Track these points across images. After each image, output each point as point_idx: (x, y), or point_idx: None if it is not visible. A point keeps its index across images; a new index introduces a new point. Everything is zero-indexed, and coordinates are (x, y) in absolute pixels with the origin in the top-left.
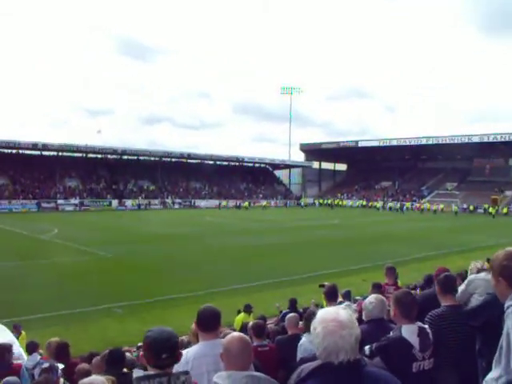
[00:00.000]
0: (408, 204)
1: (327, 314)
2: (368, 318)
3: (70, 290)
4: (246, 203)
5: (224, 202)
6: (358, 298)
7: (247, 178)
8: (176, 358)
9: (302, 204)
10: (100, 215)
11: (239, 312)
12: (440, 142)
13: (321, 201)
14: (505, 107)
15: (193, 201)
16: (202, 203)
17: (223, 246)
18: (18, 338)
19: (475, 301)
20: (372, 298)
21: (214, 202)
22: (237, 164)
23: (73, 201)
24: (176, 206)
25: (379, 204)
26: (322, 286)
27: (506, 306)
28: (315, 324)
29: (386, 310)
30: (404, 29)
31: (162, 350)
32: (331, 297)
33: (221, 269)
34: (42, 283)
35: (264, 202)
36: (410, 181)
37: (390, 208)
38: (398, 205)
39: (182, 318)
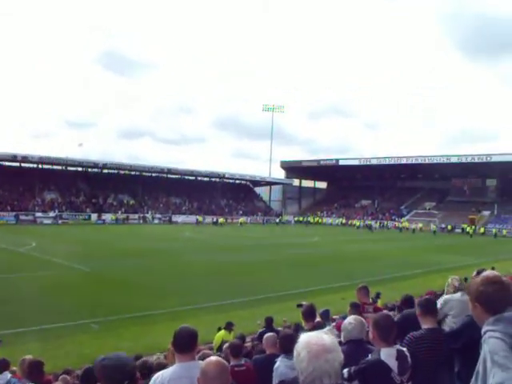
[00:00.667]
0: (387, 222)
1: (311, 338)
2: (347, 339)
3: (46, 304)
4: (222, 219)
5: (200, 218)
6: (335, 317)
7: (227, 195)
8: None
9: (277, 221)
10: (79, 229)
11: (219, 329)
12: (419, 162)
13: (300, 218)
14: (483, 128)
15: (172, 216)
16: (179, 219)
17: (202, 262)
18: None
19: (449, 322)
20: (351, 318)
21: (192, 218)
22: (217, 180)
23: (51, 214)
24: (156, 221)
25: (358, 222)
26: (299, 305)
27: (482, 331)
28: (299, 349)
29: (365, 331)
30: (385, 48)
31: (122, 378)
32: (309, 316)
33: (200, 285)
34: (18, 297)
35: (240, 219)
36: (390, 200)
37: (369, 226)
38: (377, 223)
39: (160, 334)
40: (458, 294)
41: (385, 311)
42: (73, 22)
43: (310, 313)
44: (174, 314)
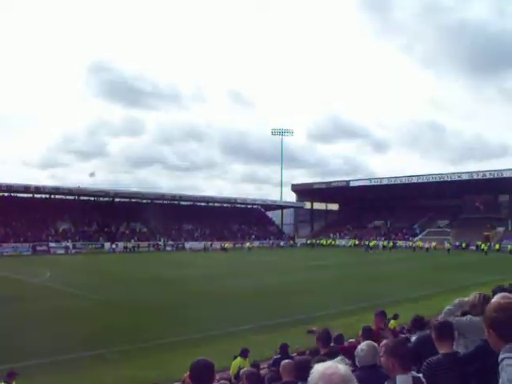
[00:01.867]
0: (400, 242)
1: (326, 368)
2: (361, 365)
3: (62, 334)
4: (227, 244)
5: (207, 244)
6: (351, 340)
7: (240, 220)
8: None
9: (282, 244)
10: (92, 258)
11: (235, 357)
12: (430, 180)
13: (312, 241)
14: (493, 145)
15: (184, 243)
16: (187, 245)
17: (217, 289)
18: None
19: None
20: (364, 344)
21: (201, 245)
22: (229, 205)
23: (65, 243)
24: (168, 248)
25: (372, 243)
26: (310, 331)
27: (500, 358)
28: (314, 379)
29: (379, 356)
30: (385, 69)
31: None
32: (325, 341)
33: (213, 311)
34: (33, 328)
35: (248, 243)
36: (402, 219)
37: (384, 246)
38: (391, 243)
39: (179, 362)
40: (468, 317)
41: (401, 336)
42: (78, 53)
43: (325, 338)
44: (189, 341)
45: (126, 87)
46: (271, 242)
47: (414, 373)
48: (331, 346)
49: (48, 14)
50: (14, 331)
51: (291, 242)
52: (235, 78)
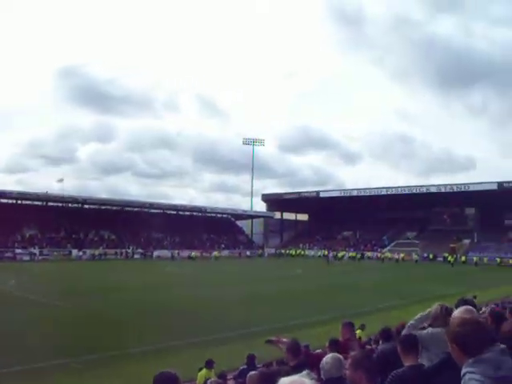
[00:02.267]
0: (369, 253)
1: (291, 382)
2: (326, 377)
3: (26, 343)
4: (194, 253)
5: (174, 253)
6: (318, 351)
7: (209, 229)
8: None
9: (248, 253)
10: (59, 265)
11: (200, 369)
12: (399, 193)
13: (282, 251)
14: (460, 158)
15: (153, 251)
16: (155, 253)
17: (181, 298)
18: None
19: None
20: (329, 357)
21: (168, 253)
22: (199, 214)
23: (31, 250)
24: (136, 256)
25: (340, 254)
26: (269, 341)
27: (462, 372)
28: None
29: (344, 368)
30: (360, 81)
31: None
32: (294, 352)
33: (177, 321)
34: None
35: (215, 253)
36: (371, 230)
37: (352, 257)
38: (359, 255)
39: (143, 372)
40: (429, 330)
41: (367, 347)
42: (47, 56)
43: (294, 349)
44: (154, 351)
45: (97, 93)
46: (239, 251)
47: None
48: (300, 357)
49: (19, 15)
50: None
51: (260, 251)
52: (208, 87)
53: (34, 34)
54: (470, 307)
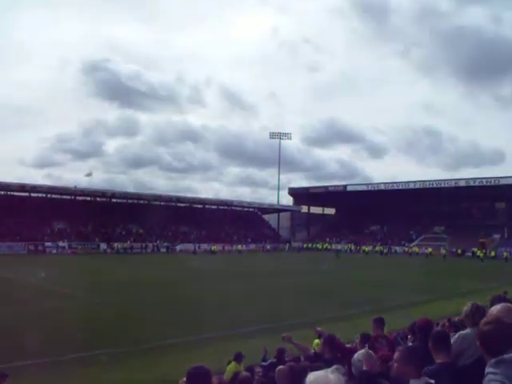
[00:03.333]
0: (396, 248)
1: (317, 378)
2: (357, 373)
3: (56, 335)
4: (214, 247)
5: (196, 247)
6: (348, 345)
7: (236, 222)
8: None
9: (273, 247)
10: (88, 258)
11: (229, 362)
12: (427, 187)
13: (308, 245)
14: (488, 152)
15: (180, 245)
16: (178, 247)
17: (207, 291)
18: None
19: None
20: (360, 354)
21: (191, 247)
22: (226, 208)
23: (61, 243)
24: (163, 250)
25: (368, 248)
26: (284, 338)
27: (485, 372)
28: None
29: (375, 364)
30: (386, 73)
31: None
32: (331, 346)
33: (205, 315)
34: (25, 328)
35: (238, 246)
36: (398, 224)
37: (381, 252)
38: (386, 249)
39: (169, 366)
40: (468, 330)
41: (409, 344)
42: (74, 52)
43: (331, 342)
44: (181, 345)
45: (121, 88)
46: (263, 245)
47: (426, 378)
48: (335, 351)
49: (44, 13)
50: (7, 332)
51: (285, 245)
52: (232, 80)
53: (61, 30)
54: (509, 304)
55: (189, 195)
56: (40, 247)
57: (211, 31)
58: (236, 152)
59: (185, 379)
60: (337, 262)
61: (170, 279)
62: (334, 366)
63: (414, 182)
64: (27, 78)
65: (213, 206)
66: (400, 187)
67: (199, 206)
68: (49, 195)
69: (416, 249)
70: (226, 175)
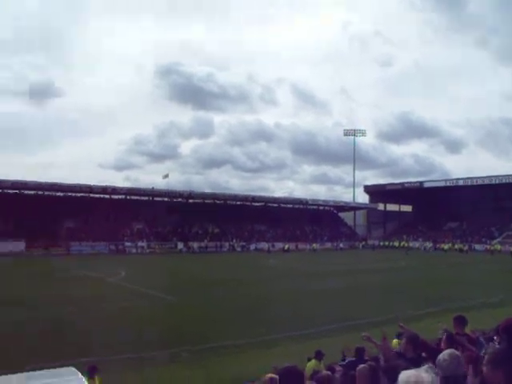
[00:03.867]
0: (477, 245)
1: (409, 377)
2: (443, 375)
3: (136, 333)
4: (287, 246)
5: (269, 245)
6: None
7: (312, 221)
8: None
9: (347, 246)
10: (165, 258)
11: (309, 359)
12: (510, 181)
13: (385, 243)
14: None
15: (254, 244)
16: (252, 246)
17: (287, 290)
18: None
19: None
20: (446, 354)
21: (265, 246)
22: (301, 206)
23: (140, 243)
24: (238, 249)
25: (446, 246)
26: (364, 337)
27: None
28: None
29: (462, 365)
30: (462, 64)
31: None
32: (415, 345)
33: (286, 313)
34: (110, 326)
35: (313, 244)
36: (478, 221)
37: (461, 249)
38: (467, 246)
39: (248, 363)
40: None
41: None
42: (147, 56)
43: (415, 341)
44: (261, 343)
45: (194, 89)
46: (338, 243)
47: None
48: (418, 350)
49: (120, 18)
50: (92, 329)
51: (360, 243)
52: (304, 78)
53: (135, 35)
54: None
55: (263, 194)
56: (120, 247)
57: (281, 30)
58: (309, 150)
59: (270, 375)
60: (414, 259)
61: (244, 278)
62: (427, 365)
63: (495, 176)
64: (106, 83)
65: (288, 205)
66: (480, 182)
67: (274, 205)
68: (128, 197)
69: (498, 246)
70: (300, 173)
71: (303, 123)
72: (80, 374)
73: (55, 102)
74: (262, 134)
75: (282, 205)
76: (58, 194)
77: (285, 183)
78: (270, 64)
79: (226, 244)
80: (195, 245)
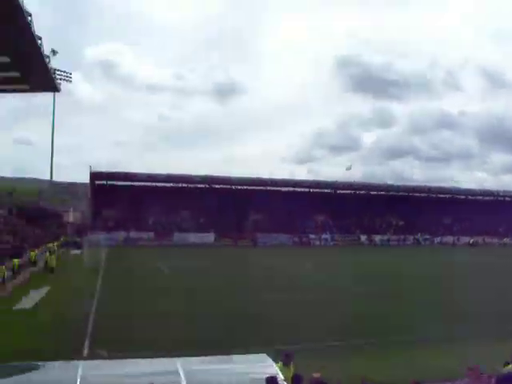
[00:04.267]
0: None
1: None
2: None
3: (324, 324)
4: (473, 240)
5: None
6: None
7: (503, 214)
8: None
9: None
10: (349, 250)
11: (506, 364)
12: None
13: None
14: None
15: (440, 237)
16: (436, 240)
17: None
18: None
19: None
20: None
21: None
22: (492, 198)
23: (324, 236)
24: (424, 243)
25: None
26: None
27: None
28: None
29: None
30: None
31: None
32: None
33: (476, 311)
34: (293, 317)
35: (505, 239)
36: None
37: None
38: None
39: (432, 360)
40: None
41: None
42: (326, 49)
43: None
44: (442, 339)
45: (373, 79)
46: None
47: None
48: None
49: (294, 16)
50: (273, 319)
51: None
52: (492, 59)
53: (315, 29)
54: None
55: (447, 185)
56: (304, 239)
57: (466, 9)
58: (501, 137)
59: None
60: None
61: (427, 273)
62: None
63: None
64: (286, 78)
65: (478, 197)
66: None
67: (461, 197)
68: (311, 190)
69: None
70: (490, 163)
71: (492, 108)
72: (271, 361)
73: (239, 99)
74: (446, 122)
75: (470, 197)
76: (245, 187)
77: (473, 174)
78: (453, 47)
79: (410, 237)
80: (377, 238)
